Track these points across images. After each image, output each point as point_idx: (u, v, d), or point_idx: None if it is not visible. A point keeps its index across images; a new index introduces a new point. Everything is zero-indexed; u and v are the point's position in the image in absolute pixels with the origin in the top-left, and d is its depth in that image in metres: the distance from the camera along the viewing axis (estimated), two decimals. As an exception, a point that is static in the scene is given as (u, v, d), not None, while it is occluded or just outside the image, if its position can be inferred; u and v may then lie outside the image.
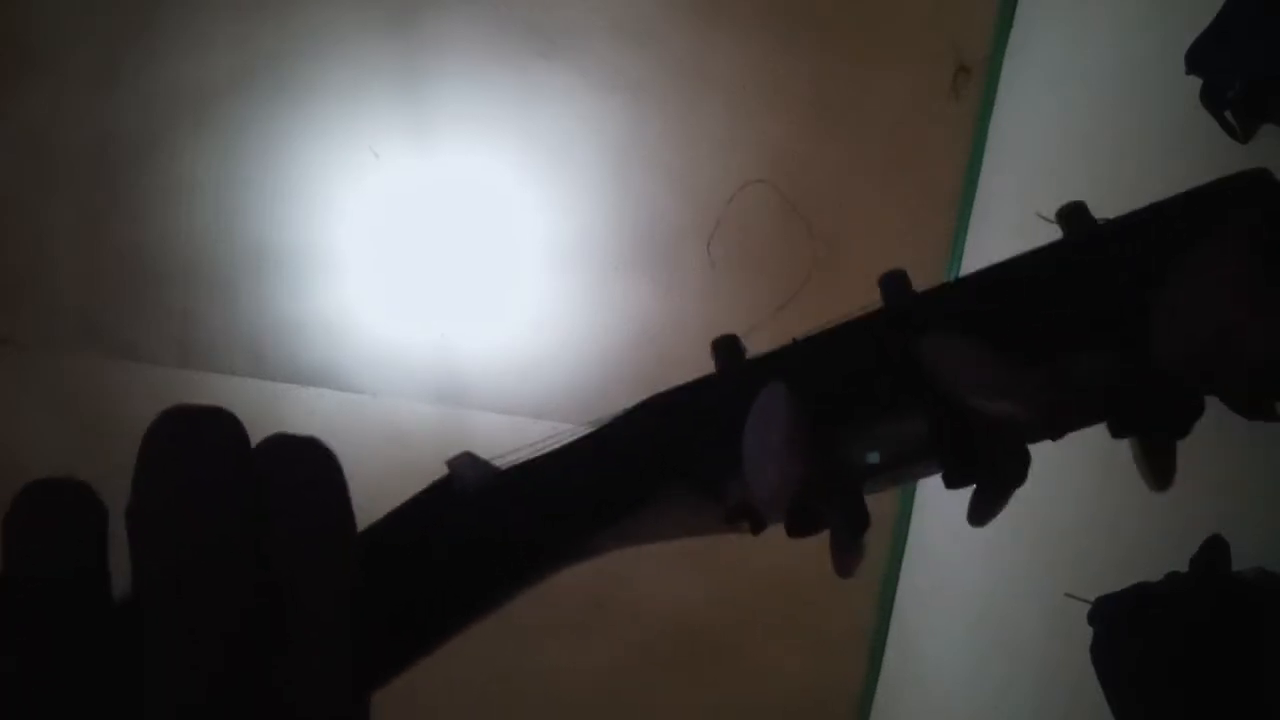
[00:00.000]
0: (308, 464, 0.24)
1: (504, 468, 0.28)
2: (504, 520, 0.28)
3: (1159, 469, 0.29)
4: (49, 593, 0.20)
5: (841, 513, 0.28)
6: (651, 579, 2.38)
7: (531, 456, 0.29)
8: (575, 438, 0.29)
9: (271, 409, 2.36)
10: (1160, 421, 0.28)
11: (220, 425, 0.23)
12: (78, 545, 0.21)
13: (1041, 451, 0.30)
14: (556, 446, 0.29)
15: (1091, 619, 1.10)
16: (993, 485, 0.29)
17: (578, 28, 2.29)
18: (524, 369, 2.40)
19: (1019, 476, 0.29)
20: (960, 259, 2.31)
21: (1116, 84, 1.70)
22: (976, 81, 2.27)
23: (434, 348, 2.39)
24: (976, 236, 2.28)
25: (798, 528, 0.27)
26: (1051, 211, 0.31)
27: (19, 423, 2.39)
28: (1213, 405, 0.32)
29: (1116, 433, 0.29)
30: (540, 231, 2.36)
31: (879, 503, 0.31)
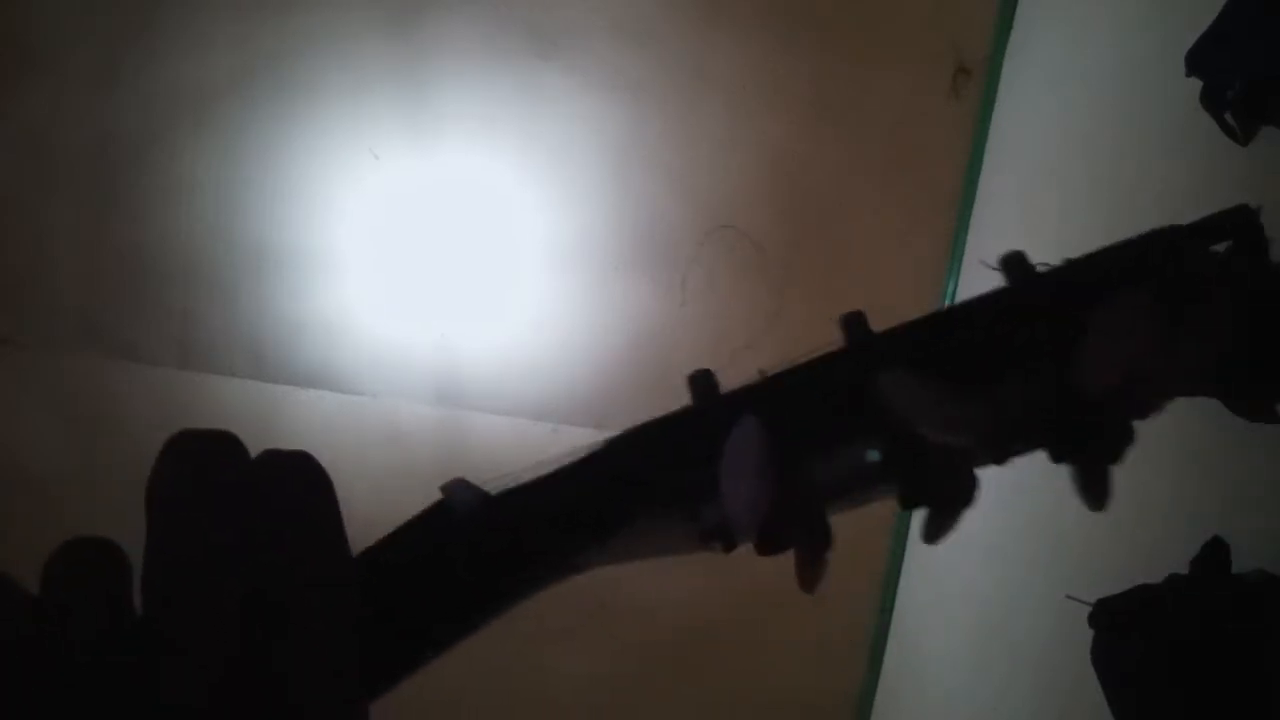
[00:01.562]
0: (296, 481, 0.26)
1: (494, 493, 0.31)
2: (494, 541, 0.30)
3: (1094, 491, 0.32)
4: (79, 632, 0.22)
5: (806, 534, 0.31)
6: (652, 580, 2.38)
7: (520, 483, 0.31)
8: (562, 464, 0.31)
9: (271, 410, 2.36)
10: (1093, 448, 0.32)
11: (218, 447, 0.25)
12: (105, 599, 0.23)
13: (1042, 451, 0.32)
14: (544, 472, 0.31)
15: (1092, 620, 1.10)
16: (943, 507, 0.32)
17: (578, 28, 2.29)
18: (524, 369, 2.40)
19: (967, 498, 0.32)
20: (960, 259, 2.31)
21: (1116, 84, 1.70)
22: (976, 81, 2.27)
23: (434, 348, 2.39)
24: (976, 236, 2.28)
25: (766, 548, 0.31)
26: (1053, 211, 0.33)
27: (19, 423, 2.39)
28: (1213, 406, 0.32)
29: (1055, 458, 0.32)
30: (540, 231, 2.36)
31: (879, 504, 0.33)
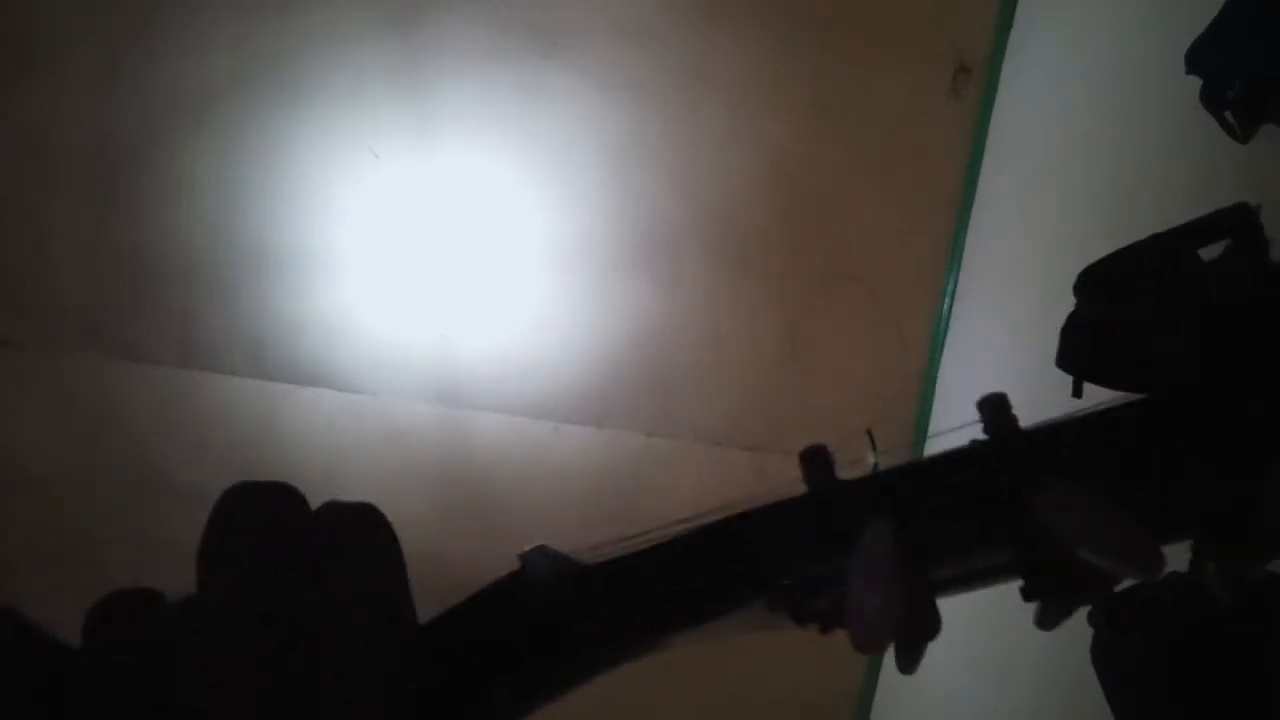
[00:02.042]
0: (356, 533, 0.25)
1: (584, 563, 0.29)
2: (577, 617, 0.28)
3: (1227, 589, 0.31)
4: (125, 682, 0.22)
5: (919, 625, 0.29)
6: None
7: (611, 556, 0.29)
8: (662, 539, 0.29)
9: (271, 409, 2.36)
10: (1252, 556, 0.30)
11: (277, 500, 0.25)
12: (146, 643, 0.23)
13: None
14: (639, 548, 0.29)
15: (1091, 619, 1.10)
16: (1067, 600, 0.30)
17: (578, 28, 2.29)
18: (524, 369, 2.40)
19: (1094, 599, 0.30)
20: (960, 259, 2.31)
21: (1116, 84, 1.70)
22: (976, 81, 2.27)
23: (434, 348, 2.39)
24: (976, 236, 2.28)
25: (872, 650, 0.29)
26: (1053, 211, 0.32)
27: (19, 423, 2.39)
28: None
29: (1200, 559, 0.31)
30: (540, 231, 2.36)
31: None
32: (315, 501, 0.26)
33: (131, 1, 2.27)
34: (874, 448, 0.30)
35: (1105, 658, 1.06)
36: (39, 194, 2.31)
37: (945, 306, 2.32)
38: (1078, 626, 1.16)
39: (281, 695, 0.22)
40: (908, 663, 0.30)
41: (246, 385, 2.37)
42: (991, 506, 0.28)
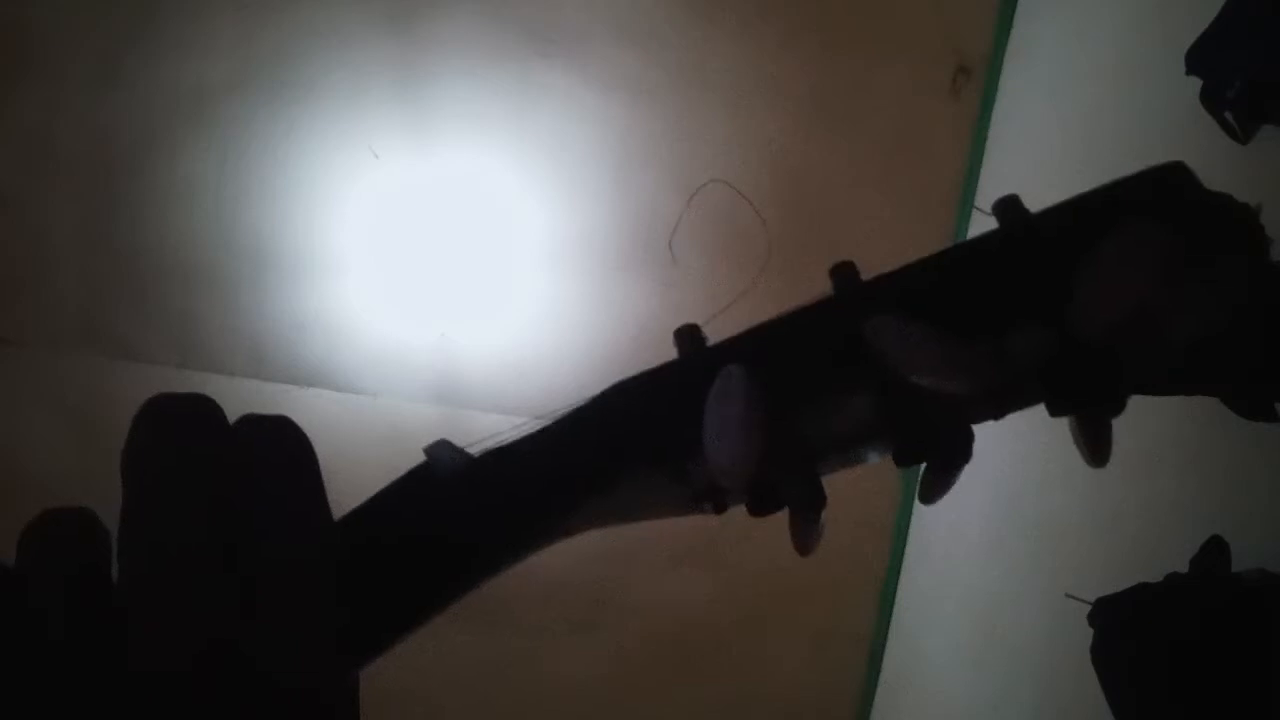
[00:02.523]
0: (279, 442, 0.25)
1: (478, 453, 0.30)
2: (479, 502, 0.29)
3: (1096, 445, 0.30)
4: (56, 596, 0.22)
5: (799, 492, 0.30)
6: (652, 579, 2.38)
7: (503, 443, 0.30)
8: (545, 423, 0.30)
9: (271, 409, 2.35)
10: (1094, 397, 0.30)
11: (194, 411, 0.25)
12: (80, 559, 0.23)
13: (1042, 451, 0.31)
14: (527, 432, 0.30)
15: (1092, 619, 1.10)
16: (941, 463, 0.30)
17: (578, 27, 2.29)
18: (524, 369, 2.40)
19: (965, 453, 0.30)
20: (960, 259, 2.31)
21: (1116, 84, 1.70)
22: (976, 81, 2.27)
23: (434, 348, 2.39)
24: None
25: (758, 506, 0.29)
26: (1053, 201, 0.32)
27: (19, 423, 2.39)
28: (1214, 406, 0.32)
29: (1054, 411, 0.30)
30: (540, 231, 2.36)
31: (879, 504, 0.32)
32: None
33: (131, 1, 2.27)
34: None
35: (1105, 657, 1.06)
36: (39, 194, 2.31)
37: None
38: (1078, 626, 1.17)
39: (225, 635, 0.22)
40: (800, 538, 0.30)
41: (246, 385, 2.37)
42: (832, 343, 0.29)
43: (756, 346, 0.30)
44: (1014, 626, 1.77)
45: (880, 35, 2.30)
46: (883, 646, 2.48)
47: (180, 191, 2.32)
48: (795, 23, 2.29)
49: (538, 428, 0.30)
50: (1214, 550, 1.04)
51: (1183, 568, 1.05)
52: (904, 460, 0.30)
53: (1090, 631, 1.09)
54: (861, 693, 2.53)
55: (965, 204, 2.30)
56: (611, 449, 0.30)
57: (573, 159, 2.33)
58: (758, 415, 0.28)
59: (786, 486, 0.30)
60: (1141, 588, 1.07)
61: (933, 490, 0.31)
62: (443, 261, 2.37)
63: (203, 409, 0.25)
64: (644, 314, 2.37)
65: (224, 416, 0.26)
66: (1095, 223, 0.29)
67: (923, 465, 0.31)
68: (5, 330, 2.36)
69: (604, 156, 2.33)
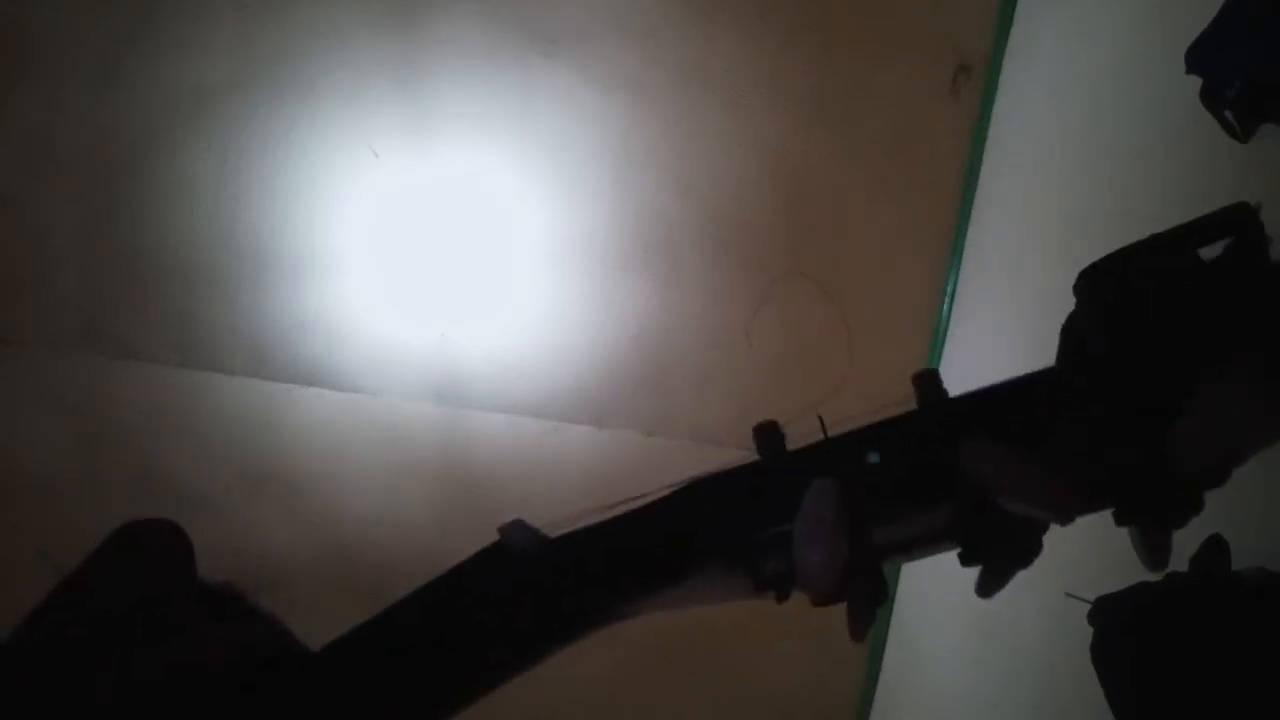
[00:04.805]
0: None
1: (554, 536, 0.31)
2: (551, 585, 0.30)
3: (1156, 553, 0.32)
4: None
5: (865, 588, 0.31)
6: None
7: (579, 527, 0.31)
8: (623, 510, 0.31)
9: (271, 409, 2.36)
10: (1164, 518, 0.31)
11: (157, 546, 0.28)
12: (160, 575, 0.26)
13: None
14: (605, 519, 0.31)
15: (1092, 619, 1.10)
16: (1002, 566, 0.32)
17: (578, 27, 2.29)
18: (524, 369, 2.40)
19: (1028, 562, 0.32)
20: (960, 258, 2.31)
21: (1116, 84, 1.70)
22: (976, 81, 2.27)
23: (434, 348, 2.39)
24: (976, 236, 2.28)
25: (825, 601, 0.31)
26: (1053, 211, 0.33)
27: (19, 423, 2.39)
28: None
29: (1120, 521, 0.32)
30: (540, 231, 2.36)
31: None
32: (319, 500, 0.26)
33: (131, 1, 2.27)
34: (824, 430, 0.32)
35: (1105, 656, 1.06)
36: (39, 194, 2.31)
37: (945, 306, 2.32)
38: (1078, 626, 1.17)
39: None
40: (858, 627, 0.32)
41: (246, 385, 2.36)
42: (923, 461, 0.31)
43: (842, 457, 0.31)
44: (1014, 626, 1.77)
45: (880, 35, 2.30)
46: (883, 646, 2.48)
47: (180, 191, 2.32)
48: (795, 23, 2.29)
49: (616, 514, 0.31)
50: (1214, 550, 1.04)
51: (1183, 567, 1.05)
52: (970, 563, 0.32)
53: (1090, 631, 1.09)
54: (861, 692, 2.53)
55: (965, 204, 2.30)
56: (691, 544, 0.31)
57: (573, 159, 2.33)
58: (849, 529, 0.30)
59: (854, 582, 0.31)
60: (1141, 587, 1.07)
61: (990, 588, 0.33)
62: (443, 261, 2.37)
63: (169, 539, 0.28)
64: (644, 314, 2.37)
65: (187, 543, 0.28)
66: (1187, 361, 0.30)
67: None
68: (5, 330, 2.36)
69: (604, 156, 2.33)
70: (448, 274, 2.37)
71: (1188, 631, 0.97)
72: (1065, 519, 0.31)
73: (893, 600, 2.45)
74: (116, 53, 2.27)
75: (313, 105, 2.29)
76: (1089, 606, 1.10)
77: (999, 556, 0.31)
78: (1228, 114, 1.18)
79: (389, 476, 2.38)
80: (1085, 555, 1.54)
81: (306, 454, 2.37)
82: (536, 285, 2.39)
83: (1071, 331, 0.32)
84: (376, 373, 2.39)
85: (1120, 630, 1.05)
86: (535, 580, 0.30)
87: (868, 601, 0.31)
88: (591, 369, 2.39)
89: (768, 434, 0.32)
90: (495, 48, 2.28)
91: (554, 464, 2.40)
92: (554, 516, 0.31)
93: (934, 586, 2.28)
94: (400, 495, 2.34)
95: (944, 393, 0.32)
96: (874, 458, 0.31)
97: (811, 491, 0.30)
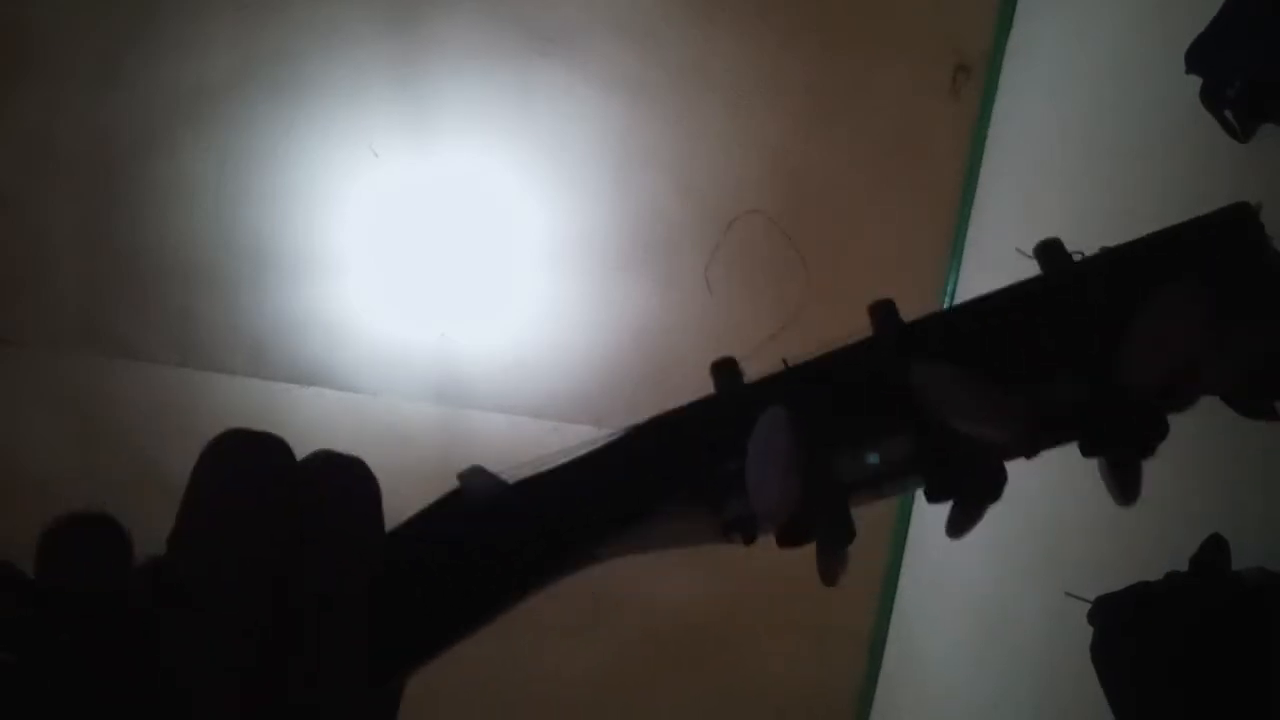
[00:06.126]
0: (345, 487, 0.27)
1: (512, 481, 0.30)
2: (512, 530, 0.30)
3: (1126, 485, 0.32)
4: (76, 605, 0.23)
5: (830, 526, 0.31)
6: (652, 577, 2.38)
7: (538, 470, 0.31)
8: (582, 453, 0.31)
9: (271, 409, 2.36)
10: (1128, 442, 0.31)
11: (261, 449, 0.26)
12: (103, 566, 0.23)
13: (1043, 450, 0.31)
14: (563, 461, 0.31)
15: (1091, 618, 1.10)
16: (970, 501, 0.31)
17: (578, 26, 2.29)
18: (524, 369, 2.40)
19: (995, 493, 0.31)
20: (960, 258, 2.31)
21: (1116, 84, 1.70)
22: (976, 81, 2.27)
23: (434, 347, 2.39)
24: (976, 235, 2.28)
25: (789, 540, 0.30)
26: (1053, 211, 0.32)
27: (19, 423, 2.39)
28: (1214, 405, 0.32)
29: (1087, 452, 0.31)
30: (540, 231, 2.36)
31: (879, 502, 0.32)
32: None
33: (131, 1, 2.27)
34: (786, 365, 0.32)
35: (1105, 656, 1.06)
36: (39, 194, 2.31)
37: (945, 306, 2.32)
38: (1078, 625, 1.17)
39: (266, 662, 0.23)
40: (826, 569, 0.31)
41: (246, 385, 2.37)
42: (876, 387, 0.30)
43: (797, 387, 0.31)
44: (1014, 625, 1.77)
45: (880, 35, 2.30)
46: (883, 644, 2.48)
47: (180, 191, 2.32)
48: (795, 23, 2.29)
49: (573, 456, 0.31)
50: (1214, 549, 1.04)
51: (1183, 566, 1.05)
52: (936, 498, 0.31)
53: (1090, 630, 1.09)
54: (861, 690, 2.53)
55: (965, 204, 2.30)
56: (648, 482, 0.30)
57: (573, 159, 2.33)
58: (800, 458, 0.29)
59: (818, 521, 0.30)
60: (1141, 587, 1.07)
61: (960, 526, 0.32)
62: (443, 261, 2.37)
63: (271, 445, 0.26)
64: (644, 314, 2.37)
65: (291, 454, 0.26)
66: (1141, 276, 0.30)
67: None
68: (5, 330, 2.36)
69: (604, 156, 2.33)
70: (448, 274, 2.37)
71: (1188, 631, 0.97)
72: (1026, 447, 0.30)
73: (893, 598, 2.45)
74: (116, 53, 2.27)
75: (312, 105, 2.29)
76: (1089, 606, 1.10)
77: (964, 488, 0.31)
78: (1228, 114, 1.18)
79: (389, 476, 2.36)
80: (1085, 555, 1.54)
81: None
82: (536, 285, 2.39)
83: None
84: (376, 372, 2.39)
85: (1120, 630, 1.05)
86: (493, 528, 0.29)
87: (836, 541, 0.31)
88: (591, 369, 2.39)
89: (726, 370, 0.32)
90: (495, 47, 2.28)
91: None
92: None
93: (934, 586, 2.28)
94: (400, 495, 2.33)
95: (899, 320, 0.32)
96: (874, 458, 0.30)
97: (760, 421, 0.30)
